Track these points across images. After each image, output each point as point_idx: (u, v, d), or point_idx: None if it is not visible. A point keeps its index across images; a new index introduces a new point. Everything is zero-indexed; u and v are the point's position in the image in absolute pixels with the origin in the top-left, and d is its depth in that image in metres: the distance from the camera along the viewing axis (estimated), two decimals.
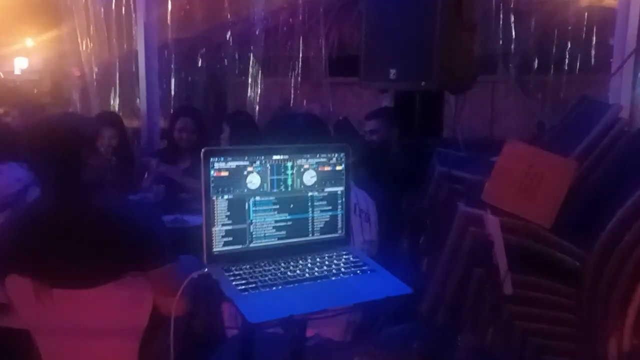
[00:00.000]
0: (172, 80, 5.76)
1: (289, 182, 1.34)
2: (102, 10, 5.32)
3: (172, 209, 2.76)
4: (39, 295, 1.63)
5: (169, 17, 5.47)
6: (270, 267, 1.29)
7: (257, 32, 5.60)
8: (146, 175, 3.13)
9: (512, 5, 4.57)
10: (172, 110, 4.75)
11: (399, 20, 2.70)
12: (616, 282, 1.64)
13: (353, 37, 4.77)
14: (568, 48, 4.52)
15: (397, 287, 1.28)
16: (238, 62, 5.82)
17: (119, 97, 5.46)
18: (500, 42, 4.64)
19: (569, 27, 4.48)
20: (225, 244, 1.29)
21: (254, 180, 1.30)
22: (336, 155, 1.40)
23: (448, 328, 1.73)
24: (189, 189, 3.00)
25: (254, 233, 1.32)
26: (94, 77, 5.44)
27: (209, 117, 5.56)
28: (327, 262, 1.34)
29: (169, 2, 5.45)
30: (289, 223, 1.35)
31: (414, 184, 2.28)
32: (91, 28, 5.28)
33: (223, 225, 1.28)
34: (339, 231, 1.42)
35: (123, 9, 5.38)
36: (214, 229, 1.27)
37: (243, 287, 1.20)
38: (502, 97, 4.79)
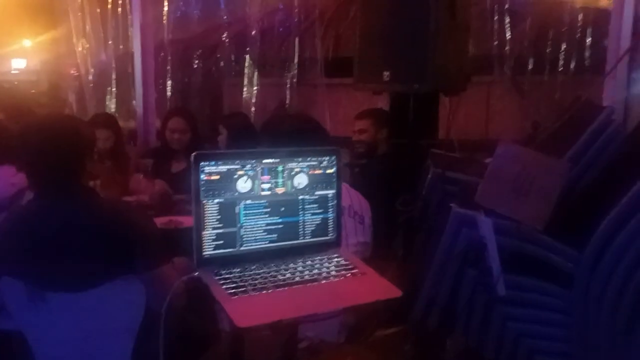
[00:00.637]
0: (168, 81, 5.76)
1: (280, 185, 1.34)
2: (98, 11, 5.32)
3: (167, 211, 2.77)
4: (32, 298, 1.63)
5: (164, 18, 5.46)
6: (261, 271, 1.28)
7: (253, 33, 5.59)
8: (142, 177, 3.13)
9: (507, 6, 4.57)
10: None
11: (393, 22, 2.69)
12: (608, 283, 1.65)
13: (349, 38, 4.77)
14: (563, 49, 4.52)
15: (387, 290, 1.28)
16: (234, 63, 5.81)
17: (115, 97, 5.45)
18: (495, 43, 4.64)
19: (564, 28, 4.48)
20: (216, 247, 1.28)
21: (244, 184, 1.30)
22: (327, 158, 1.39)
23: (440, 329, 1.73)
24: (184, 190, 3.00)
25: (244, 236, 1.31)
26: (90, 78, 5.43)
27: (205, 118, 5.56)
28: (317, 265, 1.34)
29: (165, 3, 5.44)
30: (280, 226, 1.35)
31: (406, 185, 2.28)
32: (87, 29, 5.27)
33: (214, 228, 1.28)
34: (330, 234, 1.42)
35: (119, 10, 5.38)
36: (204, 233, 1.27)
37: (233, 290, 1.20)
38: (498, 97, 4.78)
